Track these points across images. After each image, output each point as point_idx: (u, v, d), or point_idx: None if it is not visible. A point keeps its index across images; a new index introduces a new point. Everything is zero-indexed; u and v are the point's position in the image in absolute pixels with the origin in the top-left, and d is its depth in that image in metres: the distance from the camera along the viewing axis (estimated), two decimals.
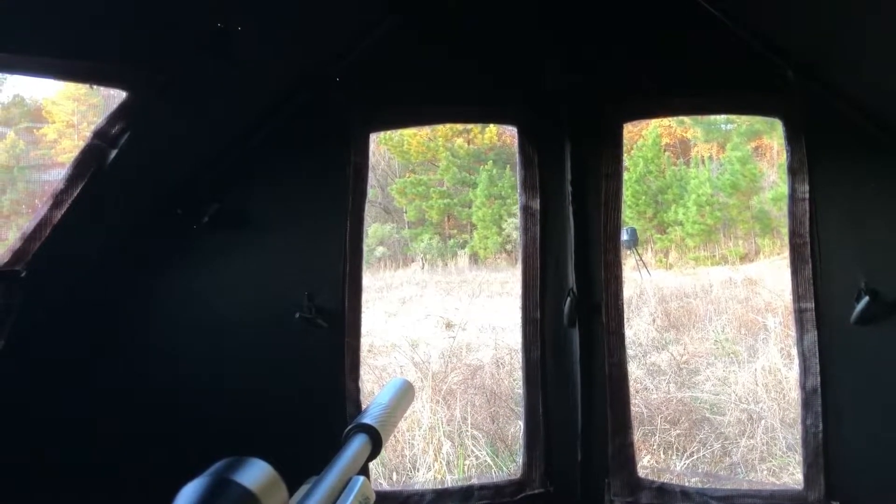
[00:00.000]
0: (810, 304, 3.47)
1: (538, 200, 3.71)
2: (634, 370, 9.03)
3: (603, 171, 3.67)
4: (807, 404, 3.47)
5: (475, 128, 27.18)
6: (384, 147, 27.45)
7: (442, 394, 8.07)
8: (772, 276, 15.84)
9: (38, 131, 29.46)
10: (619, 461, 3.63)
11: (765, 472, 6.43)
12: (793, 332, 3.62)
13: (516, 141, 3.79)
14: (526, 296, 3.74)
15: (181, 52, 2.81)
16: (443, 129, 26.82)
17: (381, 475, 6.31)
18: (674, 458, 6.80)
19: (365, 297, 3.79)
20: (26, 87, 31.35)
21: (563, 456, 3.65)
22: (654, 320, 12.20)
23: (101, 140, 2.97)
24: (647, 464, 6.53)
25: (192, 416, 3.47)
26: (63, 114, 29.69)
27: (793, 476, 5.99)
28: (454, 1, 3.68)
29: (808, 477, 3.46)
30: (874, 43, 2.95)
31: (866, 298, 3.36)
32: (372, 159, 3.97)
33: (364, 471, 1.09)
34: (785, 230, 3.64)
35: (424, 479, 6.41)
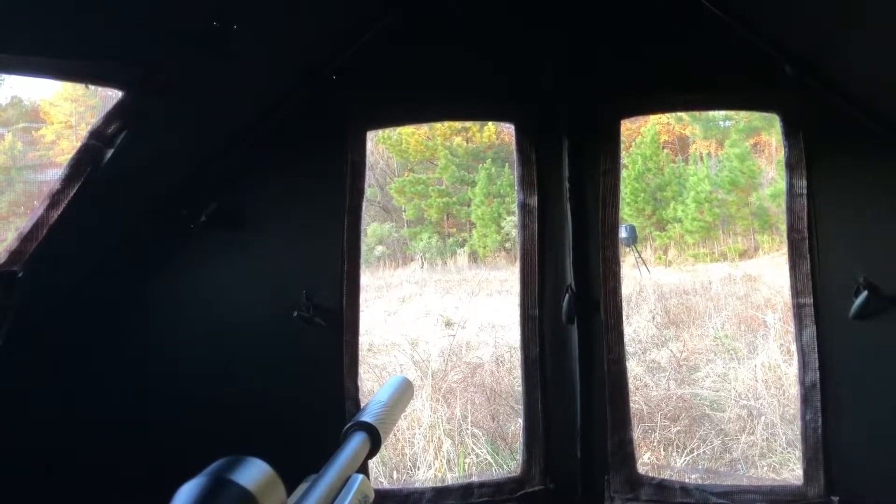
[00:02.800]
0: (809, 300, 3.47)
1: (536, 197, 3.71)
2: (634, 367, 9.03)
3: (601, 167, 3.67)
4: (806, 400, 3.47)
5: (474, 126, 27.18)
6: (383, 146, 27.44)
7: (442, 392, 8.07)
8: (771, 273, 15.87)
9: (36, 132, 29.42)
10: (618, 458, 3.63)
11: (765, 469, 6.44)
12: (792, 328, 3.62)
13: (514, 138, 3.78)
14: (524, 293, 3.74)
15: (177, 51, 2.80)
16: (441, 127, 26.83)
17: (382, 473, 6.31)
18: (674, 454, 6.80)
19: (364, 296, 3.78)
20: (24, 87, 31.34)
21: (563, 453, 3.65)
22: (653, 317, 12.19)
23: (97, 140, 2.96)
24: (647, 461, 6.53)
25: (190, 415, 3.47)
26: (61, 115, 29.66)
27: (793, 472, 6.00)
28: None
29: (807, 472, 3.46)
30: (872, 38, 2.95)
31: (865, 293, 3.36)
32: (370, 158, 3.98)
33: (363, 469, 1.09)
34: (784, 226, 3.65)
35: (425, 477, 6.41)
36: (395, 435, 6.64)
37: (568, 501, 3.66)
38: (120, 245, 3.52)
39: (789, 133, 3.55)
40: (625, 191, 22.85)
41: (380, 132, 23.26)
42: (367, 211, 24.99)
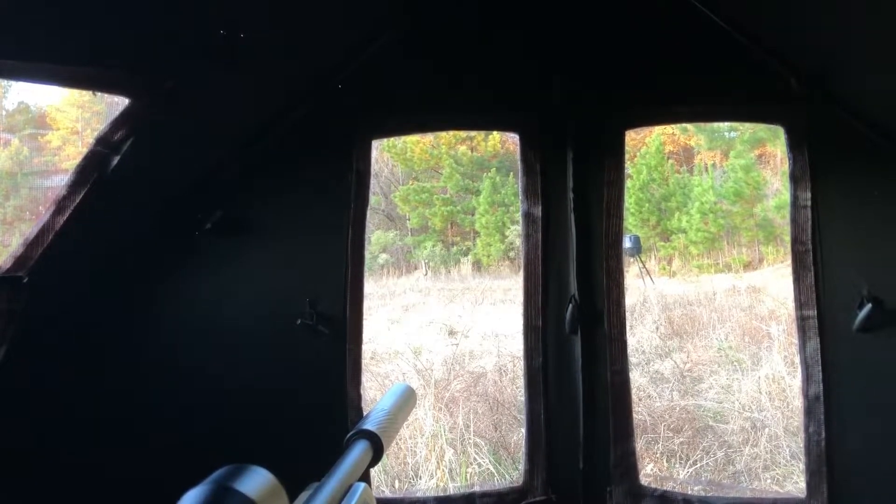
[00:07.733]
0: (812, 312, 3.46)
1: (540, 207, 3.71)
2: (638, 378, 9.00)
3: (605, 178, 3.67)
4: (809, 412, 3.45)
5: (478, 135, 27.19)
6: (387, 154, 27.44)
7: (445, 401, 8.06)
8: (775, 284, 15.81)
9: (43, 138, 29.53)
10: (621, 469, 3.61)
11: (768, 481, 6.40)
12: (796, 340, 3.61)
13: (518, 148, 3.79)
14: (528, 303, 3.73)
15: (184, 60, 2.82)
16: (446, 136, 26.84)
17: (384, 482, 6.30)
18: (677, 466, 6.78)
19: (368, 304, 3.79)
20: (31, 94, 31.50)
21: (566, 463, 3.64)
22: (657, 328, 12.16)
23: (103, 147, 2.97)
24: (650, 472, 6.51)
25: (193, 422, 3.47)
26: (67, 121, 29.77)
27: (797, 485, 5.97)
28: (457, 9, 3.69)
29: (810, 485, 3.44)
30: (877, 51, 2.95)
31: (869, 306, 3.35)
32: (375, 167, 3.99)
33: (365, 477, 1.09)
34: (788, 238, 3.64)
35: (426, 486, 6.39)
36: (397, 444, 6.63)
37: None
38: (124, 252, 3.53)
39: (794, 145, 3.55)
40: (629, 201, 22.84)
41: (385, 141, 23.31)
42: (372, 219, 25.02)
